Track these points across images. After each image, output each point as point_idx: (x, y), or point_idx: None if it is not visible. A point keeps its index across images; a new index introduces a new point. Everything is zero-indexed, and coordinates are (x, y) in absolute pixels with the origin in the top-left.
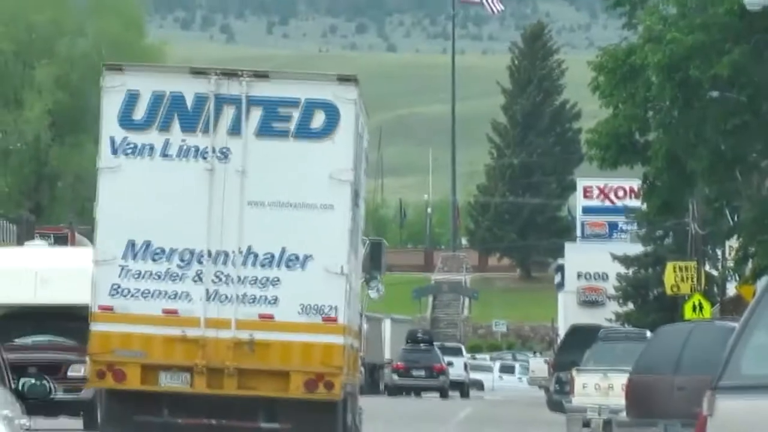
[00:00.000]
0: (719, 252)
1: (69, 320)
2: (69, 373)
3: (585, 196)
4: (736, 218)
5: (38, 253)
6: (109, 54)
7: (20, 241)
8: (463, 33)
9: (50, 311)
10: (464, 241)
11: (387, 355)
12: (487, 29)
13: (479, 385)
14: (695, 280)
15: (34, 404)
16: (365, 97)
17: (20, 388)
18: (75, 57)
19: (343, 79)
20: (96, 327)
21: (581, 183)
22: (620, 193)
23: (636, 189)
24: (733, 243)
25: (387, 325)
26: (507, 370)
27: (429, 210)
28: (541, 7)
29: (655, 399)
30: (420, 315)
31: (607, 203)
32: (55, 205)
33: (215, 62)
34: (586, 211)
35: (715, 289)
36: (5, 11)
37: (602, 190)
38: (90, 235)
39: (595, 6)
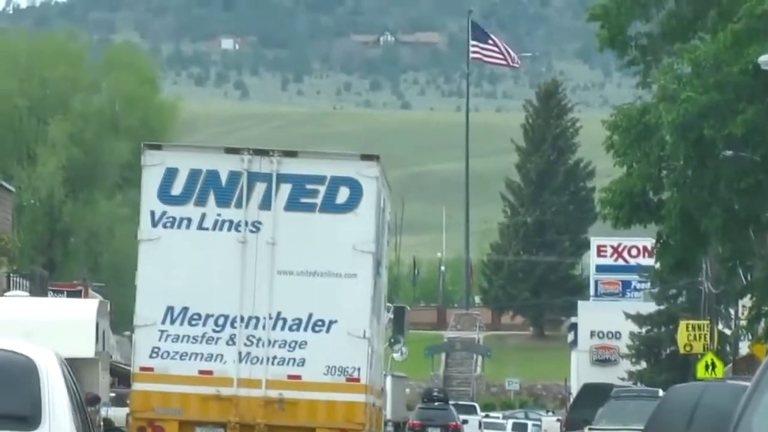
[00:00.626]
0: (732, 311)
1: None
2: None
3: (599, 255)
4: (749, 277)
5: (20, 304)
6: (124, 110)
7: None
8: (477, 91)
9: None
10: (477, 299)
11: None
12: (501, 87)
13: None
14: (708, 338)
15: None
16: (383, 155)
17: None
18: (89, 113)
19: (366, 158)
20: (137, 386)
21: (595, 242)
22: (634, 252)
23: (649, 248)
24: (746, 302)
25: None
26: (520, 428)
27: (442, 268)
28: (556, 66)
29: None
30: (433, 373)
31: (621, 262)
32: (68, 261)
33: (228, 118)
34: (600, 269)
35: (728, 348)
36: (20, 67)
37: (616, 248)
38: (103, 291)
39: (609, 65)
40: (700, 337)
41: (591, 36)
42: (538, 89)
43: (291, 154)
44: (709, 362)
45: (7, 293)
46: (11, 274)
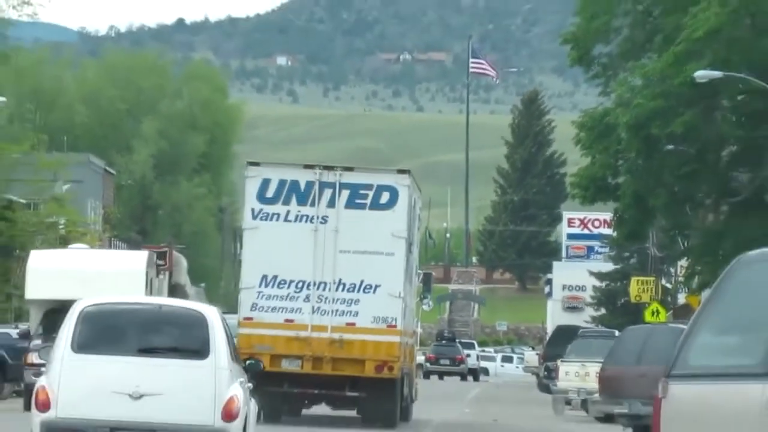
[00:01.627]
0: (672, 270)
1: None
2: None
3: (569, 226)
4: (686, 244)
5: (81, 255)
6: (200, 112)
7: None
8: (475, 98)
9: None
10: (474, 260)
11: None
12: (494, 95)
13: (486, 372)
14: (653, 291)
15: None
16: (402, 148)
17: None
18: (173, 114)
19: (401, 171)
20: (242, 331)
21: (566, 215)
22: (596, 224)
23: (609, 220)
24: (684, 263)
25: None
26: (507, 360)
27: (447, 235)
28: (536, 78)
29: (622, 384)
30: (440, 316)
31: (586, 231)
32: (156, 229)
33: (282, 118)
34: (570, 237)
35: (669, 298)
36: (120, 78)
37: (582, 221)
38: (183, 252)
39: (578, 78)
40: (647, 290)
41: (564, 55)
42: (523, 97)
43: (349, 168)
44: (655, 310)
45: (71, 245)
46: (112, 238)
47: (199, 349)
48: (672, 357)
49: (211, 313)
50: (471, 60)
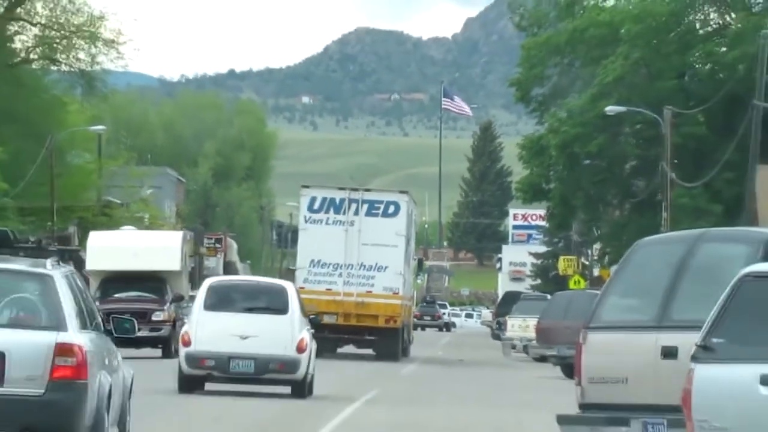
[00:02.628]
0: (589, 251)
1: (153, 281)
2: (152, 318)
3: (514, 219)
4: (599, 232)
5: (131, 235)
6: (246, 137)
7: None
8: (446, 126)
9: (138, 276)
10: (445, 244)
11: None
12: (459, 124)
13: (454, 325)
14: (575, 266)
15: (125, 340)
16: (392, 163)
17: (112, 328)
18: (227, 138)
19: (402, 192)
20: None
21: (512, 212)
22: (534, 218)
23: (543, 215)
24: (597, 246)
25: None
26: (469, 316)
27: (426, 226)
28: (490, 112)
29: (553, 333)
30: (421, 285)
31: (526, 223)
32: (214, 221)
33: (305, 142)
34: (515, 227)
35: (587, 272)
36: (188, 112)
37: (524, 216)
38: (235, 239)
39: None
40: (571, 266)
41: (511, 95)
42: (480, 125)
43: (368, 190)
44: (576, 280)
45: (122, 227)
46: (183, 228)
47: (282, 308)
48: (589, 314)
49: (288, 286)
50: (443, 99)
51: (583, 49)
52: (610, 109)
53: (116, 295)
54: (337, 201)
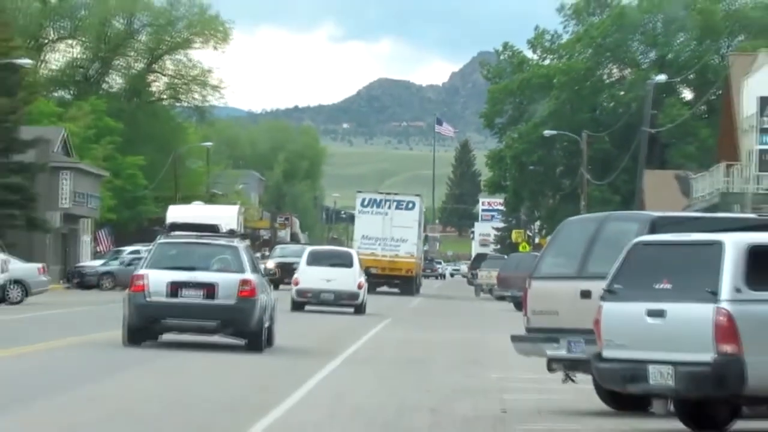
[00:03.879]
0: (533, 227)
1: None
2: None
3: (482, 205)
4: (538, 214)
5: (201, 208)
6: (306, 152)
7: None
8: (438, 143)
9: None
10: (437, 221)
11: None
12: (446, 142)
13: (444, 276)
14: (523, 237)
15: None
16: (401, 168)
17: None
18: (293, 150)
19: (417, 195)
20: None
21: (482, 200)
22: (496, 204)
23: (502, 203)
24: (538, 224)
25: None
26: (454, 271)
27: (425, 210)
28: (468, 134)
29: (509, 281)
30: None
31: (491, 207)
32: (284, 206)
33: (345, 155)
34: (483, 210)
35: (531, 241)
36: (268, 134)
37: (489, 203)
38: (299, 219)
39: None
40: (520, 236)
41: (481, 123)
42: (460, 143)
43: (395, 193)
44: (524, 246)
45: (194, 202)
46: (263, 211)
47: (348, 264)
48: (532, 268)
49: (353, 252)
50: (436, 126)
51: (528, 92)
52: (547, 132)
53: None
54: (378, 200)
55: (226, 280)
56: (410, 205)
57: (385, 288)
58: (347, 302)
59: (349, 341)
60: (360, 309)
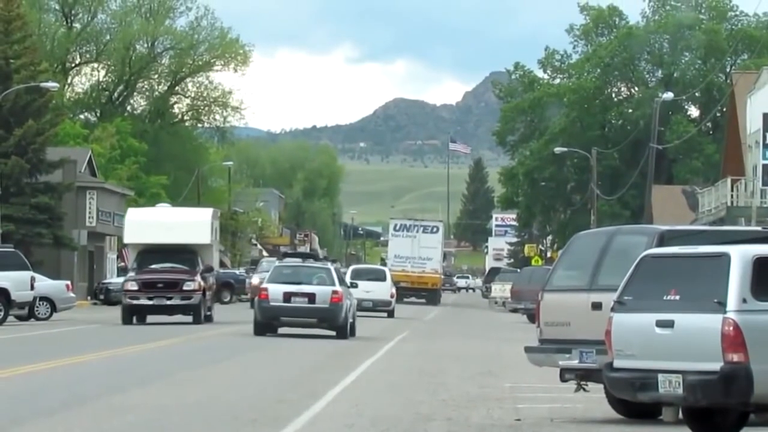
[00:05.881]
0: (545, 241)
1: (184, 254)
2: (184, 288)
3: (496, 221)
4: (550, 229)
5: (165, 211)
6: (325, 170)
7: (292, 243)
8: (452, 161)
9: (172, 248)
10: (452, 236)
11: None
12: (461, 160)
13: (459, 289)
14: (536, 251)
15: (159, 308)
16: (417, 185)
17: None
18: (311, 169)
19: (440, 220)
20: (392, 270)
21: (495, 215)
22: (509, 220)
23: (515, 218)
24: (550, 238)
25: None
26: (467, 282)
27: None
28: (481, 152)
29: (522, 294)
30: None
31: (504, 223)
32: (303, 223)
33: (362, 172)
34: (496, 226)
35: (543, 255)
36: (286, 153)
37: (502, 218)
38: (318, 235)
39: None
40: (533, 250)
41: (494, 141)
42: (474, 161)
43: (420, 219)
44: (536, 260)
45: (158, 204)
46: (283, 227)
47: (383, 278)
48: (545, 281)
49: (386, 269)
50: (450, 143)
51: (539, 111)
52: (558, 149)
53: (151, 266)
54: (407, 225)
55: (322, 291)
56: (434, 229)
57: (413, 299)
58: (382, 308)
59: (398, 331)
60: (391, 314)
